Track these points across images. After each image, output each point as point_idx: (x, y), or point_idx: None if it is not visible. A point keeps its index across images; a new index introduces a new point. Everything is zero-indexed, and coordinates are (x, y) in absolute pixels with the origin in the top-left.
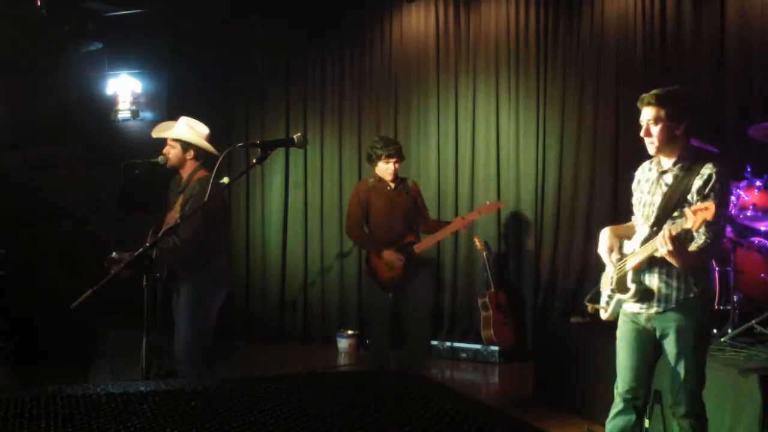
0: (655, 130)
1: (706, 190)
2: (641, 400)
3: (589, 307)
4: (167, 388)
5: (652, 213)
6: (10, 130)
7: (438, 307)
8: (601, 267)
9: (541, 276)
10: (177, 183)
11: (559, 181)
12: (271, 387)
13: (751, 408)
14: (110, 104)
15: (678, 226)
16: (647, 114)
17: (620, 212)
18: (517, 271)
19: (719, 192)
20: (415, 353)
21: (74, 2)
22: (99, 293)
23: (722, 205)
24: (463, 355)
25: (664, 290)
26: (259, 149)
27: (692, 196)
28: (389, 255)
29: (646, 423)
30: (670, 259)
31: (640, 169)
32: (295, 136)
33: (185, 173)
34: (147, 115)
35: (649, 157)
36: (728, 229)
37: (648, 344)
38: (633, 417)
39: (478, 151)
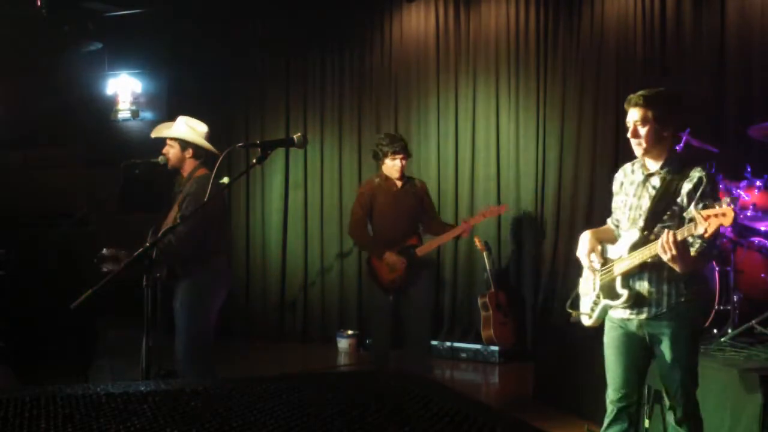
0: (643, 131)
1: (697, 194)
2: (634, 407)
3: (573, 313)
4: (167, 388)
5: (640, 216)
6: (10, 130)
7: (438, 307)
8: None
9: (541, 276)
10: (179, 183)
11: (559, 181)
12: (271, 387)
13: (751, 408)
14: (110, 104)
15: (685, 231)
16: (634, 115)
17: None
18: (517, 271)
19: (710, 195)
20: (416, 354)
21: (74, 2)
22: (99, 293)
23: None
24: (463, 355)
25: (655, 295)
26: (259, 149)
27: (682, 199)
28: (390, 257)
29: (646, 423)
30: (672, 264)
31: (621, 171)
32: (295, 136)
33: (185, 172)
34: (147, 115)
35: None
36: (728, 229)
37: (638, 350)
38: (627, 425)
39: (478, 151)
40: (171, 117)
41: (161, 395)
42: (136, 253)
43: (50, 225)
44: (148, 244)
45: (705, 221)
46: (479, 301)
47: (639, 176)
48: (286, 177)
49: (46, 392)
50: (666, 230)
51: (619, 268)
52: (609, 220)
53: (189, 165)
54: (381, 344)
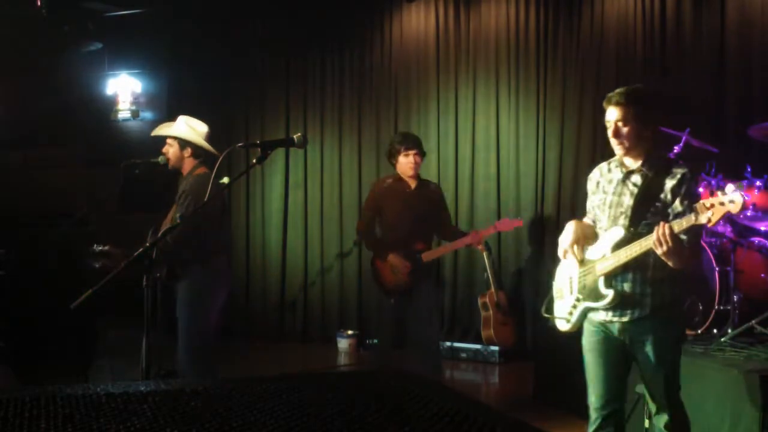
0: (625, 130)
1: (682, 190)
2: (619, 413)
3: (549, 318)
4: (167, 388)
5: (622, 214)
6: (10, 130)
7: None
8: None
9: (542, 276)
10: (180, 183)
11: (559, 181)
12: (271, 387)
13: (751, 408)
14: (110, 104)
15: (684, 222)
16: (614, 114)
17: None
18: (517, 271)
19: (692, 193)
20: (425, 357)
21: (74, 2)
22: (99, 293)
23: (692, 204)
24: (463, 355)
25: (638, 297)
26: (259, 149)
27: (665, 195)
28: (394, 260)
29: (646, 423)
30: (666, 259)
31: (596, 170)
32: (295, 136)
33: (184, 172)
34: (147, 115)
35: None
36: (728, 229)
37: (618, 353)
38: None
39: (478, 151)
40: (171, 117)
41: (161, 395)
42: (136, 253)
43: (50, 225)
44: (148, 244)
45: (707, 210)
46: (479, 301)
47: (617, 174)
48: (286, 177)
49: (46, 392)
50: (662, 223)
51: (602, 268)
52: (585, 220)
53: (188, 164)
54: (383, 345)
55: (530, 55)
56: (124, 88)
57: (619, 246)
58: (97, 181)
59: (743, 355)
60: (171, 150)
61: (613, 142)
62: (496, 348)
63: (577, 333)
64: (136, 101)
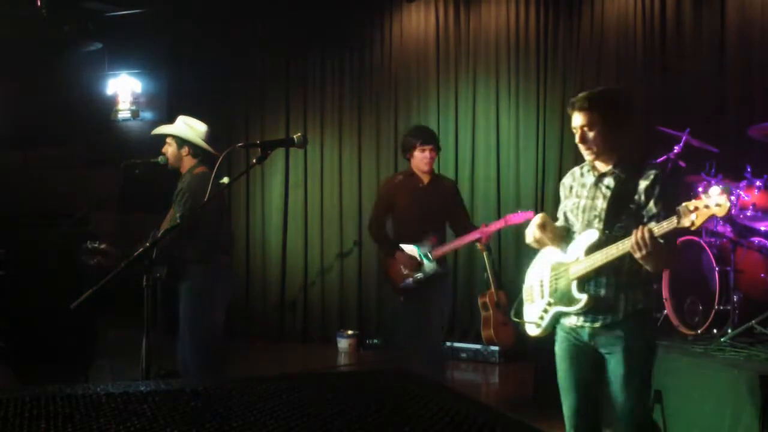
0: (591, 135)
1: (656, 190)
2: (595, 425)
3: (519, 322)
4: (167, 388)
5: (595, 217)
6: (10, 130)
7: None
8: None
9: None
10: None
11: (559, 181)
12: (271, 387)
13: (751, 408)
14: (110, 104)
15: (666, 225)
16: (579, 120)
17: None
18: (517, 271)
19: (667, 193)
20: (435, 364)
21: (74, 2)
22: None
23: (667, 206)
24: (463, 355)
25: (612, 302)
26: (259, 149)
27: (639, 196)
28: (401, 255)
29: None
30: (644, 263)
31: (569, 175)
32: (295, 136)
33: (183, 171)
34: (147, 115)
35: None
36: (728, 229)
37: (590, 362)
38: None
39: (478, 151)
40: (171, 117)
41: (161, 395)
42: (136, 253)
43: (50, 225)
44: (148, 244)
45: (692, 213)
46: (479, 301)
47: (590, 178)
48: (286, 177)
49: (46, 392)
50: (641, 226)
51: (575, 271)
52: (557, 225)
53: (187, 163)
54: (400, 343)
55: (530, 55)
56: (124, 88)
57: (593, 249)
58: (97, 181)
59: (743, 355)
60: (170, 149)
61: (581, 148)
62: (496, 348)
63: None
64: (136, 101)
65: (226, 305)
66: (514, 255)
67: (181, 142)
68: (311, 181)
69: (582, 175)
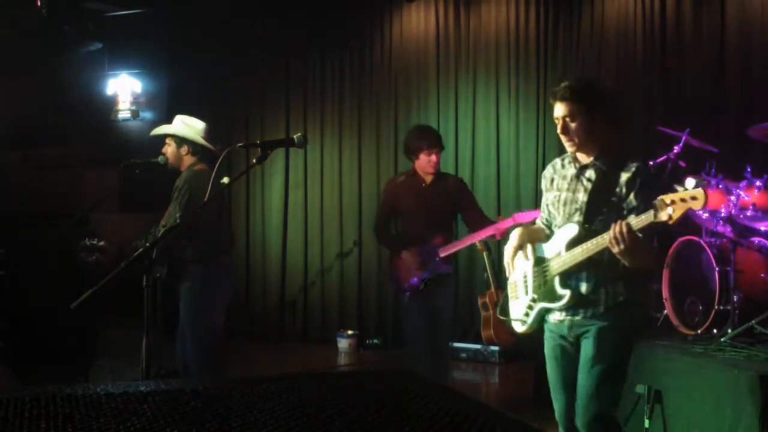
0: (573, 126)
1: (636, 183)
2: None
3: (505, 320)
4: (167, 388)
5: (576, 211)
6: (10, 130)
7: None
8: None
9: None
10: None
11: None
12: (271, 387)
13: (751, 408)
14: (110, 104)
15: (644, 219)
16: (560, 110)
17: None
18: None
19: (648, 187)
20: (439, 368)
21: (74, 2)
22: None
23: (647, 198)
24: (463, 355)
25: (593, 296)
26: (259, 149)
27: (620, 189)
28: (407, 256)
29: (646, 423)
30: (622, 258)
31: (549, 167)
32: (295, 136)
33: (184, 170)
34: (147, 115)
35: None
36: (728, 229)
37: (576, 360)
38: None
39: (478, 151)
40: (171, 117)
41: (161, 395)
42: (135, 253)
43: (50, 225)
44: (148, 244)
45: (668, 206)
46: (479, 301)
47: (571, 170)
48: (286, 177)
49: (46, 392)
50: (619, 221)
51: (557, 266)
52: (539, 221)
53: (187, 162)
54: (415, 351)
55: (530, 55)
56: (124, 88)
57: (573, 243)
58: (97, 181)
59: (743, 355)
60: (169, 149)
61: (563, 139)
62: (496, 348)
63: None
64: (136, 101)
65: (226, 305)
66: None
67: (180, 141)
68: (311, 181)
69: (563, 167)
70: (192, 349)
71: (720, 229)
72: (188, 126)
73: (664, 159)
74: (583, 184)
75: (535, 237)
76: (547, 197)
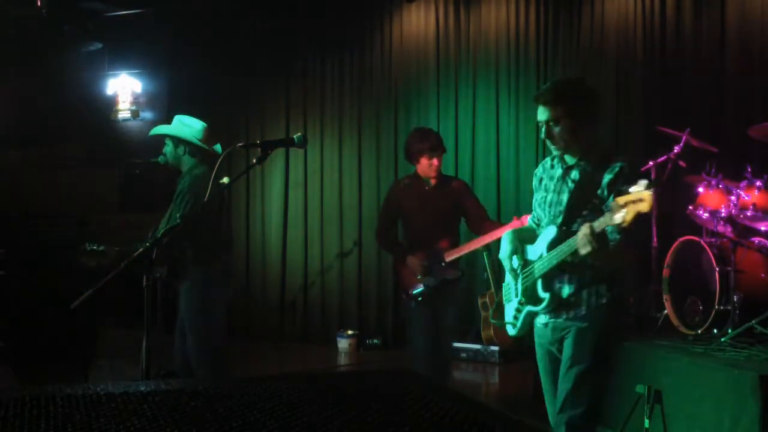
0: (557, 130)
1: (618, 184)
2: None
3: (498, 323)
4: (167, 388)
5: (560, 213)
6: (10, 130)
7: None
8: None
9: None
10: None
11: None
12: (271, 387)
13: (751, 408)
14: (110, 104)
15: (603, 220)
16: (544, 114)
17: None
18: None
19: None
20: (441, 369)
21: (74, 2)
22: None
23: None
24: (463, 355)
25: (574, 298)
26: (259, 149)
27: (602, 190)
28: (412, 261)
29: (646, 423)
30: (592, 259)
31: (540, 166)
32: (295, 136)
33: (184, 170)
34: (147, 115)
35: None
36: (728, 229)
37: (559, 365)
38: None
39: (478, 151)
40: (171, 117)
41: (161, 395)
42: (136, 253)
43: (50, 225)
44: (148, 244)
45: (622, 209)
46: (479, 301)
47: (558, 171)
48: (286, 177)
49: (46, 392)
50: (587, 223)
51: (539, 269)
52: (529, 220)
53: (186, 162)
54: (418, 354)
55: (530, 55)
56: (124, 88)
57: (553, 245)
58: (97, 181)
59: (743, 355)
60: (168, 149)
61: (548, 142)
62: (496, 348)
63: None
64: (136, 101)
65: (226, 305)
66: None
67: (177, 141)
68: (311, 181)
69: (552, 166)
70: (194, 349)
71: (720, 229)
72: (186, 126)
73: (665, 159)
74: (567, 186)
75: (527, 238)
76: (536, 197)
